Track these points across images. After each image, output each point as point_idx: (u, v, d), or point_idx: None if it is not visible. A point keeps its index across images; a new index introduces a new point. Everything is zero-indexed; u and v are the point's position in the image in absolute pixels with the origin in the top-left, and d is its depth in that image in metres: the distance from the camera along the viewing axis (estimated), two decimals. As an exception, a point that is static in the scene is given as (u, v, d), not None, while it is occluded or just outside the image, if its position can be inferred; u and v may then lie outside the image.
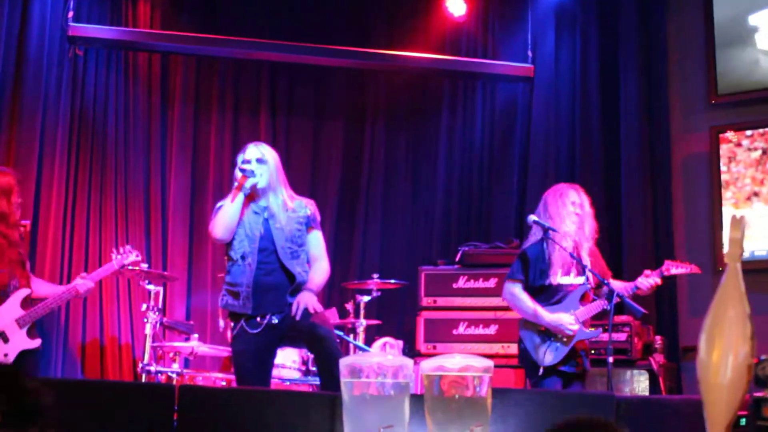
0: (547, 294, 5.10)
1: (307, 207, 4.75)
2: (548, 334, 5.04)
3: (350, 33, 8.11)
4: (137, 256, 5.75)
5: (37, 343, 5.05)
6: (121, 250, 5.70)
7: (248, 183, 4.59)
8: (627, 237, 7.20)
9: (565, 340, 5.00)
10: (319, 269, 4.71)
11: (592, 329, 5.09)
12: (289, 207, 4.68)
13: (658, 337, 6.49)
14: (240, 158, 4.70)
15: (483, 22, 8.12)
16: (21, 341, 4.95)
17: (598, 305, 5.05)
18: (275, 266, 4.56)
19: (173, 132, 7.86)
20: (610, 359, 4.80)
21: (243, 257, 4.56)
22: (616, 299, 4.84)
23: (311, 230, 4.74)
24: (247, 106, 8.11)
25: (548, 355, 5.00)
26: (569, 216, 5.14)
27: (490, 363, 2.98)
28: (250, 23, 8.00)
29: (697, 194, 7.25)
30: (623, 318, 6.23)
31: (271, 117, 8.13)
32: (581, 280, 5.10)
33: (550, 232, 5.06)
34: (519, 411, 3.31)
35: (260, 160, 4.65)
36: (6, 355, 4.88)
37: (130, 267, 5.86)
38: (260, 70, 8.14)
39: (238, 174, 4.61)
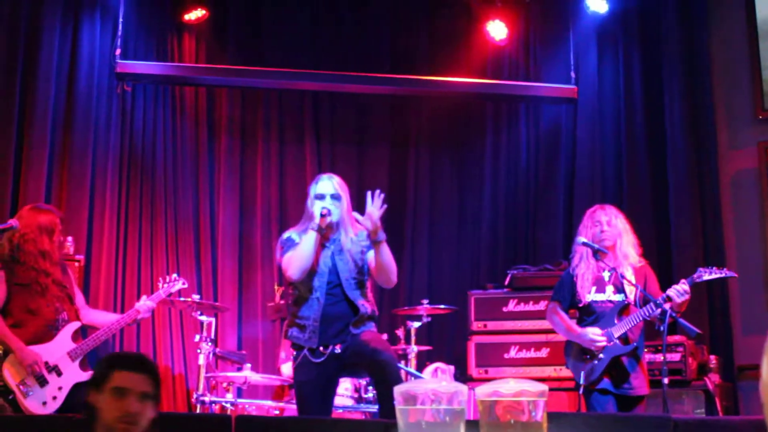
0: (585, 313, 5.21)
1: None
2: (585, 352, 5.08)
3: (392, 60, 8.17)
4: (184, 283, 5.85)
5: (90, 374, 5.10)
6: (168, 279, 5.80)
7: (325, 223, 4.55)
8: (677, 255, 7.12)
9: (601, 356, 5.01)
10: None
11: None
12: (354, 239, 4.65)
13: (712, 357, 6.40)
14: (313, 190, 4.67)
15: (524, 44, 8.12)
16: (74, 374, 5.02)
17: (633, 318, 5.05)
18: (340, 298, 4.55)
19: (220, 163, 7.96)
20: (665, 380, 4.76)
21: (311, 291, 4.55)
22: (669, 319, 4.82)
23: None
24: (291, 135, 8.18)
25: (586, 373, 5.03)
26: (596, 235, 5.23)
27: (544, 387, 2.95)
28: (293, 53, 8.09)
29: (747, 210, 7.16)
30: (677, 338, 6.16)
31: (316, 145, 8.18)
32: (620, 297, 5.13)
33: (599, 252, 5.12)
34: (575, 435, 3.28)
35: (334, 196, 4.61)
36: (60, 388, 4.95)
37: (181, 298, 5.97)
38: (303, 99, 8.21)
39: (316, 211, 4.55)
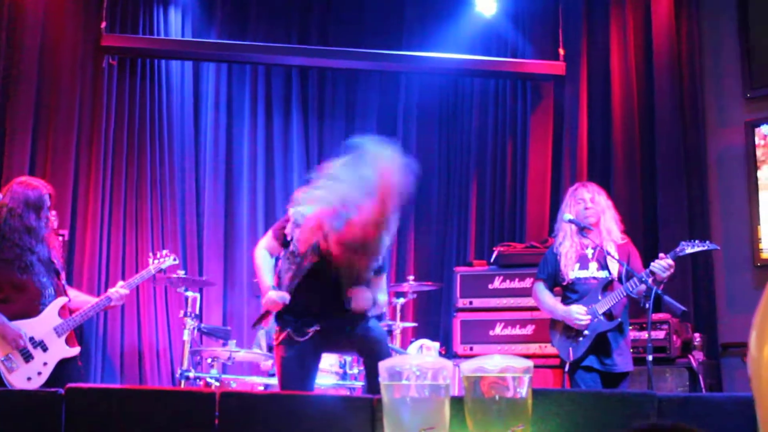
0: (569, 290, 5.25)
1: None
2: (570, 329, 5.14)
3: (381, 35, 8.13)
4: (174, 259, 5.84)
5: (75, 350, 5.08)
6: (158, 255, 5.77)
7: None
8: (663, 232, 7.12)
9: (586, 333, 5.05)
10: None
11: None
12: None
13: (697, 335, 6.42)
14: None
15: (513, 20, 8.08)
16: (60, 349, 4.99)
17: (617, 294, 5.09)
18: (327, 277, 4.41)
19: (206, 138, 7.92)
20: (650, 357, 4.78)
21: (296, 275, 4.39)
22: (654, 295, 4.84)
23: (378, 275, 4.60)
24: (278, 110, 8.14)
25: (572, 351, 5.07)
26: (580, 213, 5.27)
27: (530, 363, 2.96)
28: (280, 28, 8.05)
29: (734, 188, 7.16)
30: (661, 316, 6.19)
31: (303, 120, 8.15)
32: (604, 273, 5.16)
33: (585, 229, 5.18)
34: (560, 411, 3.28)
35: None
36: (45, 363, 4.92)
37: (172, 274, 5.95)
38: (291, 74, 8.17)
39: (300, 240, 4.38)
